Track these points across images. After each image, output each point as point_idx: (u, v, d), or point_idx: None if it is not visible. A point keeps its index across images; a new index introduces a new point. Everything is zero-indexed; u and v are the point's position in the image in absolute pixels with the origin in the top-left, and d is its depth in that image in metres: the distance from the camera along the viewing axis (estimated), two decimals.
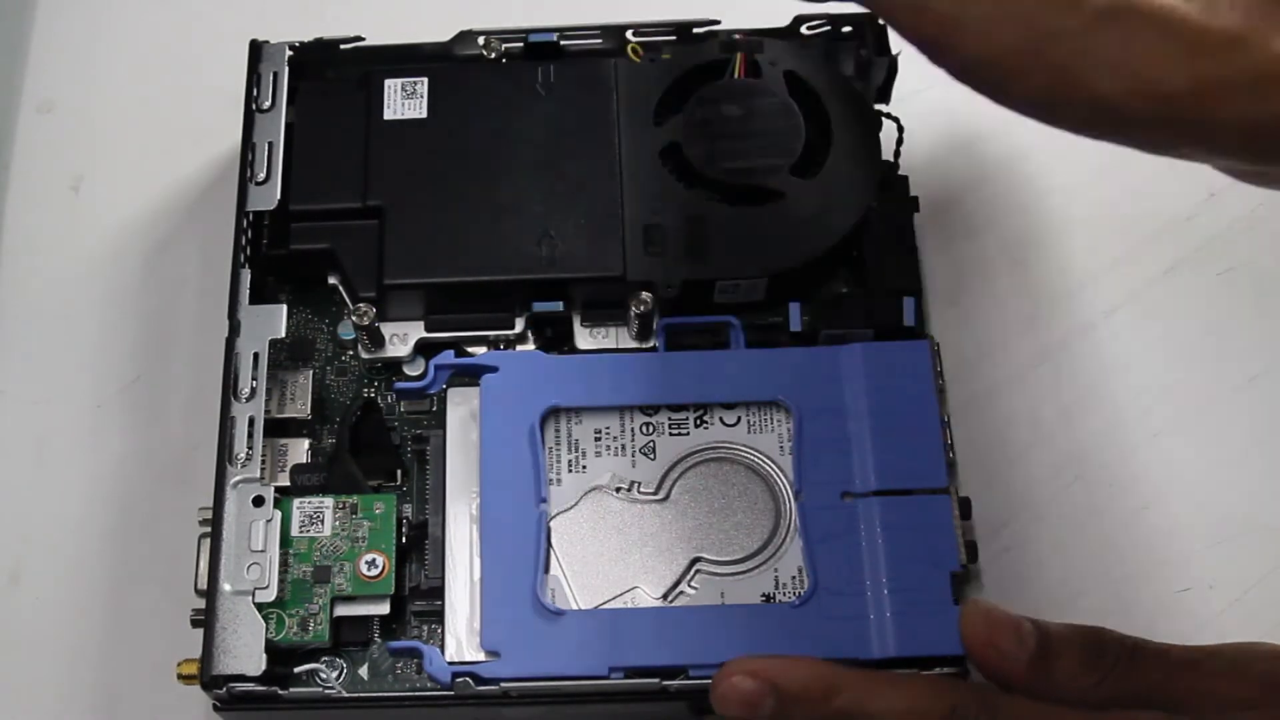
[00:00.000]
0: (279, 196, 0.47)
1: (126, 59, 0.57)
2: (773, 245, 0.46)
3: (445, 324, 0.46)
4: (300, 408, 0.46)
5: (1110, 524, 0.49)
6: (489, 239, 0.46)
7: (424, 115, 0.48)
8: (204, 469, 0.44)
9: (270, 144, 0.47)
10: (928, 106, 0.50)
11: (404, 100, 0.48)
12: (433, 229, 0.46)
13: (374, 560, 0.43)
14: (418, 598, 0.44)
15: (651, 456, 0.45)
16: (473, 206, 0.46)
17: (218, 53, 0.53)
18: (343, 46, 0.50)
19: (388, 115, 0.48)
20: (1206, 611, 0.47)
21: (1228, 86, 0.34)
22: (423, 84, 0.48)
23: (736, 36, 0.49)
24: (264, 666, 0.41)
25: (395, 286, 0.46)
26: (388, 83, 0.48)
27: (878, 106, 0.49)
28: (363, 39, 0.50)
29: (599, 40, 0.50)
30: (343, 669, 0.43)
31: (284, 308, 0.45)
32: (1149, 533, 0.49)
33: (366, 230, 0.46)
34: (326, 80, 0.49)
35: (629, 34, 0.50)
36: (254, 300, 0.46)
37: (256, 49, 0.49)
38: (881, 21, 0.47)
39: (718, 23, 0.50)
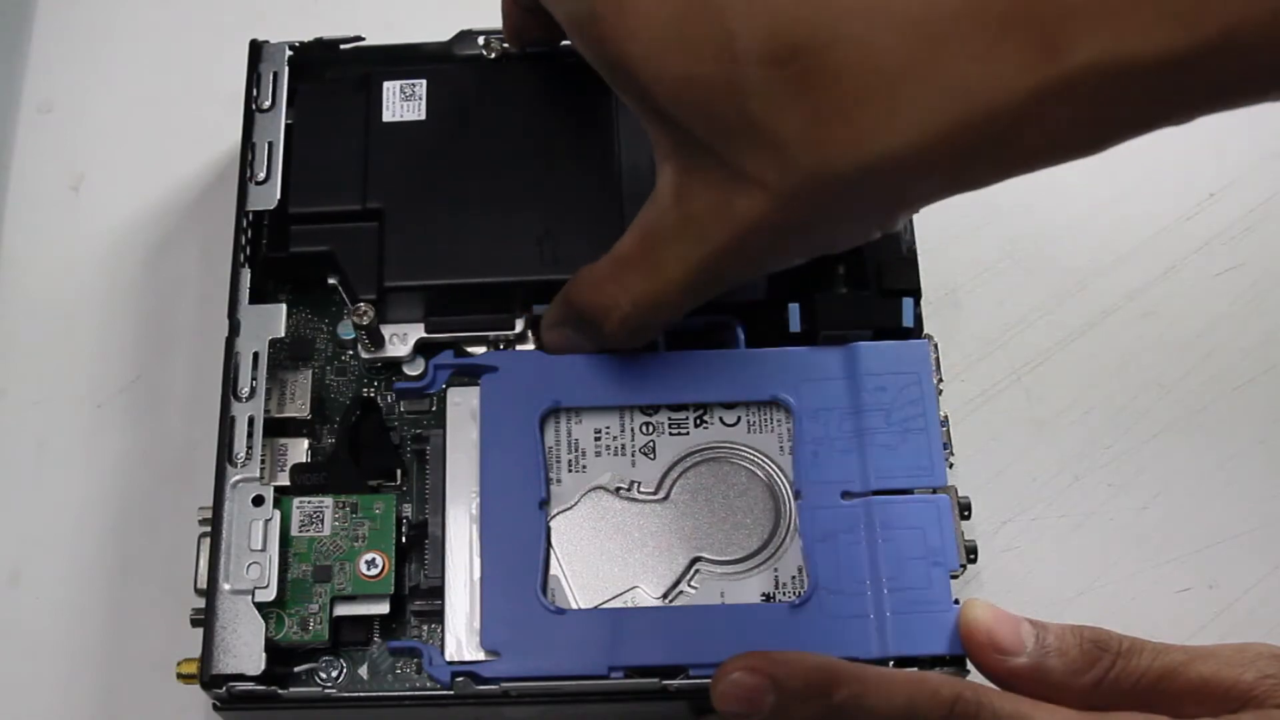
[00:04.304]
0: (279, 196, 0.47)
1: (126, 59, 0.57)
2: None
3: (445, 325, 0.46)
4: (300, 407, 0.46)
5: (1110, 524, 0.49)
6: (488, 240, 0.46)
7: (423, 117, 0.48)
8: (204, 469, 0.44)
9: (270, 144, 0.47)
10: None
11: (402, 102, 0.48)
12: (432, 231, 0.46)
13: (374, 560, 0.43)
14: (417, 597, 0.44)
15: (651, 456, 0.45)
16: (472, 208, 0.46)
17: (218, 53, 0.53)
18: (343, 46, 0.50)
19: (386, 117, 0.48)
20: (1206, 611, 0.47)
21: None
22: (421, 86, 0.48)
23: None
24: (264, 666, 0.41)
25: (395, 289, 0.46)
26: (386, 85, 0.48)
27: None
28: (363, 39, 0.50)
29: None
30: (342, 668, 0.43)
31: (284, 308, 0.45)
32: (1149, 533, 0.49)
33: (366, 232, 0.46)
34: (325, 82, 0.49)
35: None
36: (254, 300, 0.46)
37: (256, 49, 0.49)
38: None
39: None
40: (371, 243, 0.46)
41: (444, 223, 0.46)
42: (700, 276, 0.40)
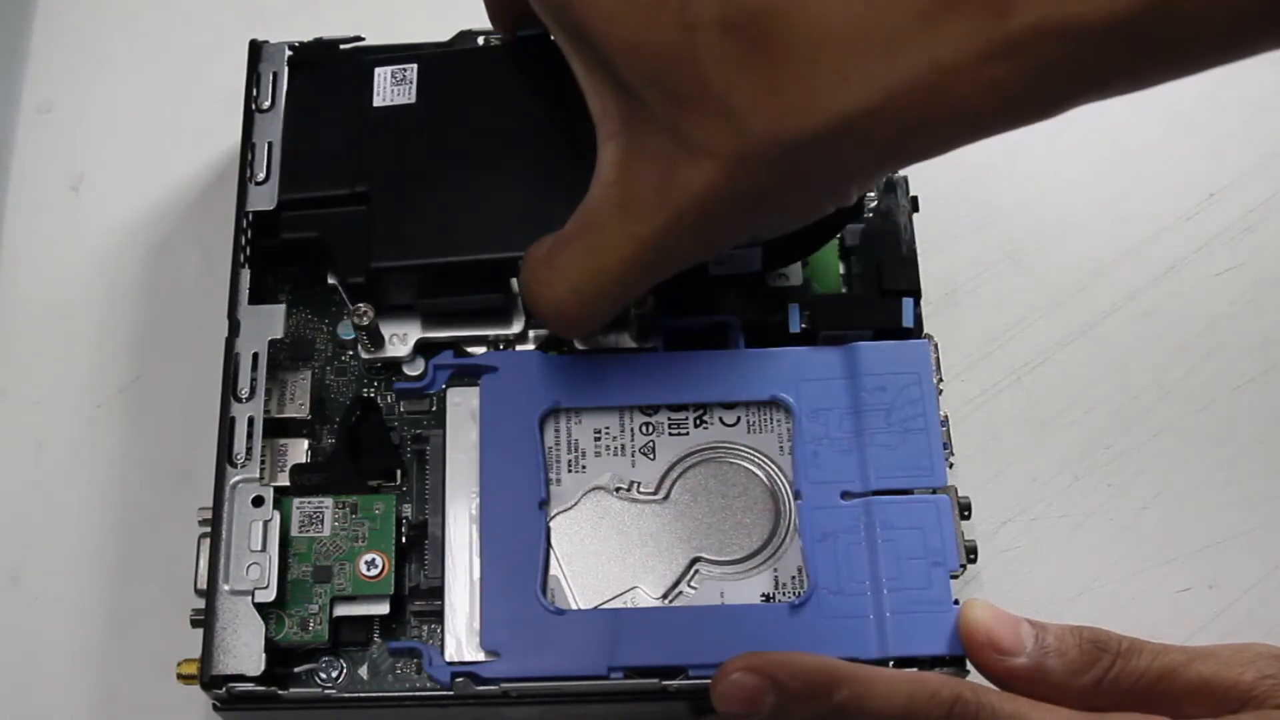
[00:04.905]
0: (278, 196, 0.47)
1: (126, 59, 0.57)
2: None
3: (439, 309, 0.46)
4: (300, 408, 0.46)
5: (1110, 524, 0.49)
6: (478, 220, 0.45)
7: (413, 101, 0.47)
8: (204, 469, 0.44)
9: (270, 144, 0.47)
10: None
11: (393, 86, 0.48)
12: (422, 213, 0.45)
13: (374, 560, 0.43)
14: (417, 598, 0.44)
15: (651, 456, 0.45)
16: (462, 189, 0.46)
17: (218, 53, 0.53)
18: (342, 47, 0.50)
19: (377, 102, 0.47)
20: (1206, 611, 0.47)
21: None
22: (412, 70, 0.48)
23: None
24: (263, 666, 0.41)
25: (384, 270, 0.45)
26: (378, 70, 0.48)
27: None
28: (362, 39, 0.50)
29: None
30: (342, 669, 0.43)
31: (283, 308, 0.45)
32: (1149, 533, 0.49)
33: (356, 217, 0.46)
34: (317, 72, 0.49)
35: None
36: (254, 300, 0.45)
37: (256, 49, 0.49)
38: None
39: None
40: (362, 227, 0.46)
41: (434, 205, 0.45)
42: (643, 256, 0.39)
